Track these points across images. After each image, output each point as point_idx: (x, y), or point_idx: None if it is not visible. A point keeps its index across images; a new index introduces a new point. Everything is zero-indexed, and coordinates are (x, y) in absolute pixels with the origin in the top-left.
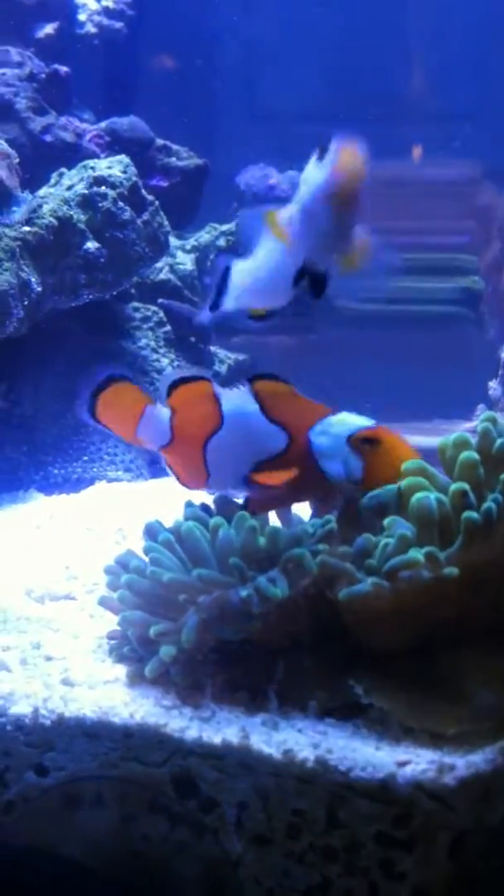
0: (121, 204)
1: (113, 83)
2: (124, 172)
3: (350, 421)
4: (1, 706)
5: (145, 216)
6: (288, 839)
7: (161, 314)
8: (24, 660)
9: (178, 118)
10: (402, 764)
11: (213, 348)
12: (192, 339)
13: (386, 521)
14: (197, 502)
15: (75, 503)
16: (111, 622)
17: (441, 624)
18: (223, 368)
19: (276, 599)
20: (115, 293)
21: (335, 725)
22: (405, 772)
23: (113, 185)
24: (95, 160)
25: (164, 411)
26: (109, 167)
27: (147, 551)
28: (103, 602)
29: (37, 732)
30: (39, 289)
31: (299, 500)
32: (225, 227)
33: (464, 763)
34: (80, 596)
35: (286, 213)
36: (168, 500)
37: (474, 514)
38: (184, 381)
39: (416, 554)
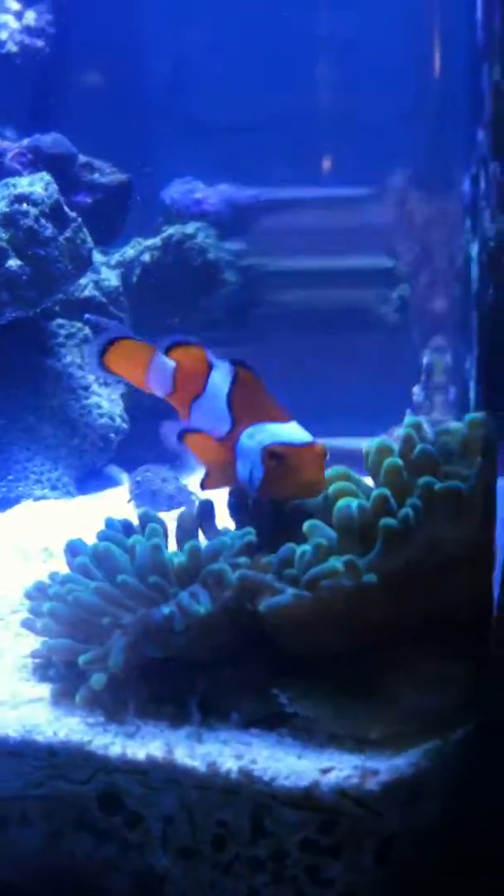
0: (42, 221)
1: (37, 101)
2: (45, 190)
3: (280, 432)
4: None
5: (67, 233)
6: (214, 851)
7: (87, 330)
8: None
9: (108, 135)
10: (326, 771)
11: None
12: None
13: (305, 528)
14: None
15: (0, 522)
16: (36, 641)
17: (366, 630)
18: None
19: (199, 616)
20: (38, 310)
21: (259, 736)
22: (329, 779)
23: (34, 203)
24: (17, 178)
25: (169, 361)
26: (31, 185)
27: (64, 579)
28: (26, 624)
29: None
30: None
31: (219, 485)
32: (149, 242)
33: (387, 767)
34: (6, 616)
35: None
36: (95, 516)
37: (391, 521)
38: (182, 343)
39: (336, 563)
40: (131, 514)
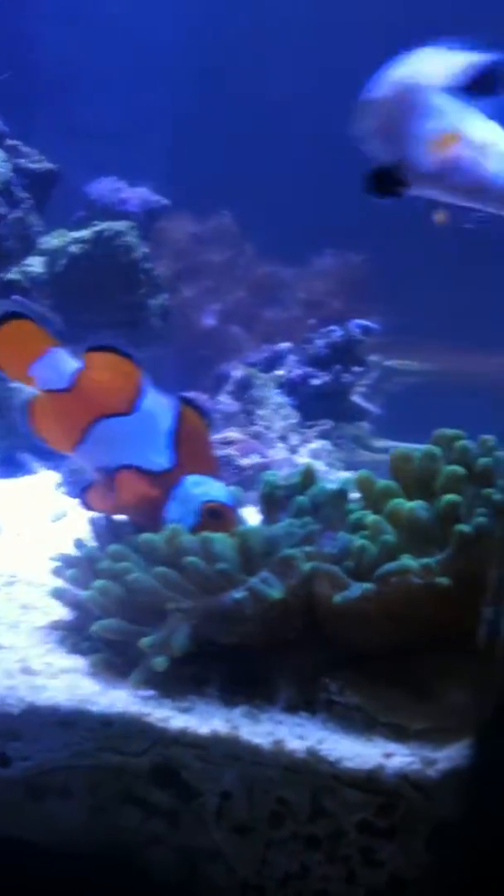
0: None
1: None
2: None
3: (218, 490)
4: None
5: (18, 213)
6: (270, 828)
7: None
8: None
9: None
10: (389, 755)
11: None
12: None
13: (369, 522)
14: None
15: None
16: (47, 614)
17: (419, 629)
18: None
19: (273, 600)
20: None
21: (308, 719)
22: (392, 762)
23: None
24: None
25: (70, 359)
26: None
27: (116, 555)
28: (58, 594)
29: (1, 721)
30: None
31: (132, 515)
32: (78, 234)
33: (443, 757)
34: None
35: None
36: (30, 499)
37: (468, 527)
38: (114, 349)
39: (411, 561)
40: (63, 502)
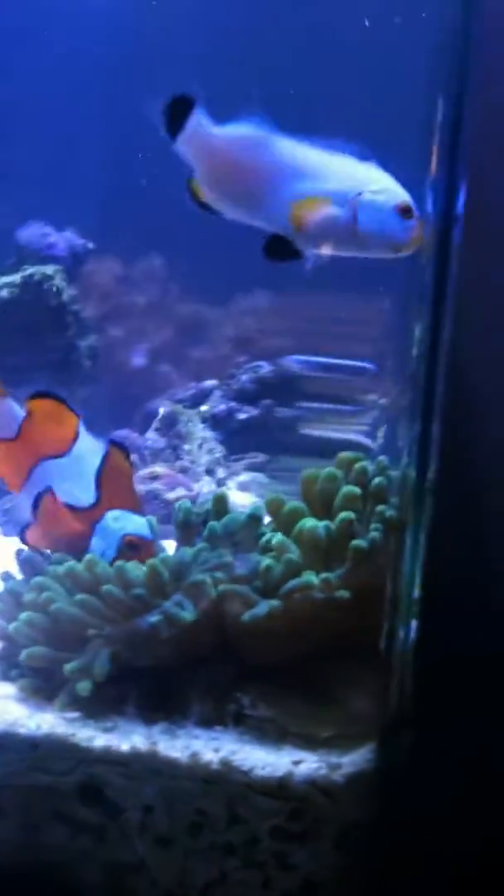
0: None
1: None
2: None
3: (138, 525)
4: None
5: None
6: (189, 838)
7: None
8: None
9: None
10: (297, 763)
11: None
12: None
13: (274, 543)
14: None
15: None
16: None
17: (324, 641)
18: None
19: (185, 622)
20: None
21: (224, 732)
22: (301, 769)
23: None
24: None
25: (17, 408)
26: None
27: (39, 587)
28: None
29: None
30: None
31: (63, 549)
32: (9, 279)
33: (347, 761)
34: None
35: None
36: None
37: (363, 543)
38: (54, 396)
39: (312, 577)
40: None
